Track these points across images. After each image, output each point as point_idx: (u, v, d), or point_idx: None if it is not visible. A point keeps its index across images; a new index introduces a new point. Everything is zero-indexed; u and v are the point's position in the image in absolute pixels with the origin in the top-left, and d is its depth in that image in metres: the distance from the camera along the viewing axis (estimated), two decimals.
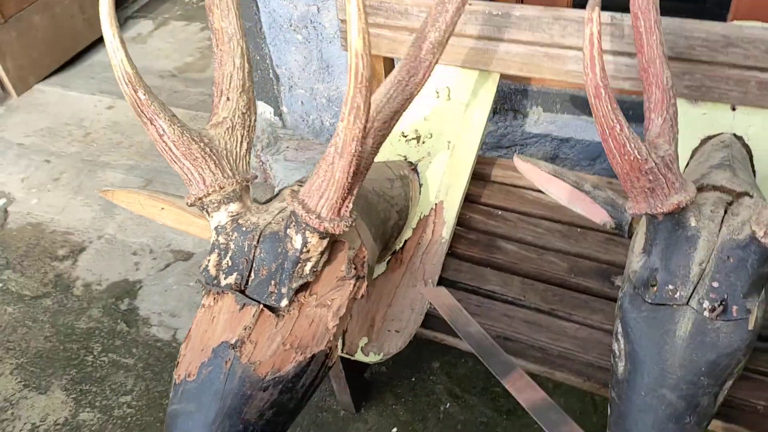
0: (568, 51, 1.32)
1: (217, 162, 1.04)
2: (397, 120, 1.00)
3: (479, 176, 1.63)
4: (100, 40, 3.62)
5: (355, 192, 0.96)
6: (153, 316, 2.17)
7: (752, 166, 1.22)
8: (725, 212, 0.96)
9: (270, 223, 1.01)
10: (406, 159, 1.43)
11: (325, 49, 2.11)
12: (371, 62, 0.81)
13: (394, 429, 1.72)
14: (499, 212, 1.53)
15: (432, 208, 1.38)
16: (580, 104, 1.86)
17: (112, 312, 2.20)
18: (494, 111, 1.98)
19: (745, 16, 1.51)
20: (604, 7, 1.48)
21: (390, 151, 1.45)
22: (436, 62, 1.01)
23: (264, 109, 2.40)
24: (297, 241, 0.96)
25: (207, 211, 1.04)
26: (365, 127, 0.86)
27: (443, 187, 1.39)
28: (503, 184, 1.61)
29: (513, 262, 1.40)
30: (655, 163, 0.92)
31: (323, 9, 1.99)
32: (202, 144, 1.03)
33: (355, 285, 1.04)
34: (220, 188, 1.02)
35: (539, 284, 1.34)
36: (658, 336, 0.93)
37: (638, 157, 0.92)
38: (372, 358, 1.28)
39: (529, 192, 1.56)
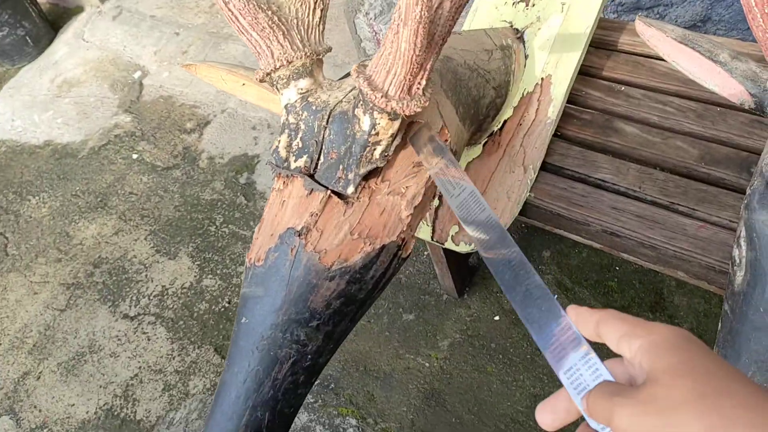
0: None
1: (286, 33, 0.95)
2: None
3: (602, 44, 1.41)
4: None
5: (429, 66, 0.84)
6: (269, 191, 2.23)
7: None
8: None
9: (341, 101, 0.93)
10: (512, 26, 1.25)
11: None
12: None
13: (497, 317, 1.67)
14: (623, 87, 1.32)
15: (537, 84, 1.21)
16: None
17: (233, 185, 2.29)
18: None
19: None
20: None
21: (494, 16, 1.27)
22: None
23: None
24: (365, 123, 0.88)
25: (277, 88, 0.97)
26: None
27: (552, 59, 1.21)
28: (631, 54, 1.38)
29: (631, 146, 1.22)
30: None
31: None
32: (270, 12, 0.95)
33: None
34: (288, 62, 0.94)
35: (659, 173, 1.16)
36: None
37: None
38: (462, 248, 1.21)
39: (662, 63, 1.32)
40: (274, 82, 0.97)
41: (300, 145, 0.94)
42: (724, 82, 0.91)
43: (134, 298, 2.01)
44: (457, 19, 0.85)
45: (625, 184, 1.17)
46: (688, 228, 1.08)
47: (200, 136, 2.51)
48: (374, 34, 2.33)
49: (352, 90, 0.94)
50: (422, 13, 0.74)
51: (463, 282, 1.73)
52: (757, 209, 0.80)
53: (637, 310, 1.58)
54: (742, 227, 0.83)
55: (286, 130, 0.96)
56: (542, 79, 1.21)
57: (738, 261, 0.84)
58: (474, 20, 1.30)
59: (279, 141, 0.96)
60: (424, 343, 1.67)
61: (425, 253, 1.85)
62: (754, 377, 0.78)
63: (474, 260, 1.78)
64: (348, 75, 1.03)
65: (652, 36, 0.98)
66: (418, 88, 0.84)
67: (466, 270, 1.74)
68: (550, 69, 1.21)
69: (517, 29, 1.24)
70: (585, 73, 1.35)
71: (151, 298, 2.00)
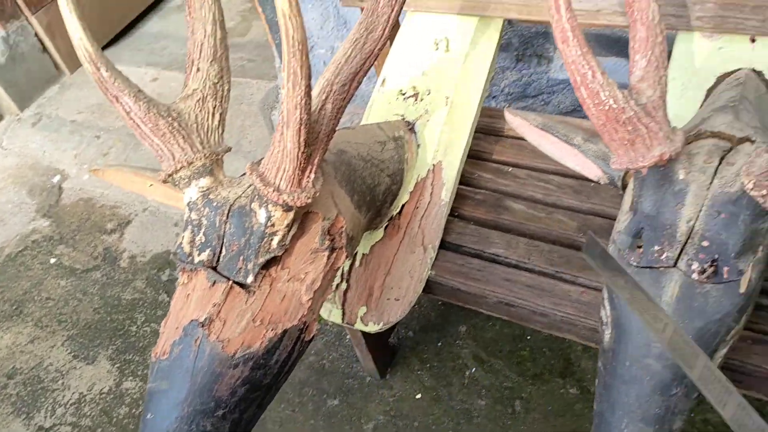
0: None
1: (186, 137, 1.02)
2: (360, 81, 0.95)
3: (491, 131, 1.55)
4: (147, 11, 3.69)
5: (316, 161, 0.92)
6: None
7: None
8: (720, 162, 0.86)
9: (240, 196, 0.99)
10: (403, 118, 1.36)
11: (342, 5, 2.04)
12: (302, 24, 0.76)
13: (419, 395, 1.71)
14: (510, 169, 1.45)
15: (430, 170, 1.32)
16: (606, 44, 1.72)
17: (155, 283, 2.28)
18: (517, 58, 1.87)
19: None
20: None
21: (388, 110, 1.39)
22: (397, 15, 0.94)
23: None
24: (261, 216, 0.94)
25: (179, 187, 1.03)
26: (308, 93, 0.82)
27: (441, 147, 1.32)
28: (516, 138, 1.52)
29: (520, 222, 1.32)
30: (634, 112, 0.83)
31: None
32: (170, 119, 1.02)
33: (330, 257, 1.01)
34: (189, 164, 1.01)
35: (545, 245, 1.27)
36: None
37: (614, 106, 0.83)
38: (371, 328, 1.26)
39: None
40: (176, 182, 1.02)
41: (203, 240, 0.99)
42: (581, 162, 1.03)
43: (50, 408, 1.94)
44: (341, 117, 0.95)
45: (515, 257, 1.26)
46: (572, 294, 1.18)
47: (121, 236, 2.51)
48: None
49: (250, 186, 1.01)
50: (302, 116, 0.82)
51: (385, 362, 1.77)
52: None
53: (548, 377, 1.65)
54: (605, 290, 0.93)
55: (189, 226, 1.01)
56: (434, 165, 1.32)
57: (605, 321, 0.92)
58: (370, 114, 1.41)
59: (183, 237, 1.01)
60: (349, 428, 1.68)
61: (347, 337, 1.89)
62: (626, 429, 0.85)
63: (394, 340, 1.83)
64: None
65: (519, 124, 1.11)
66: (307, 181, 0.92)
67: (387, 350, 1.78)
68: (441, 156, 1.32)
69: (408, 121, 1.35)
70: (476, 157, 1.47)
71: (67, 406, 1.93)
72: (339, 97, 0.93)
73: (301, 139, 0.85)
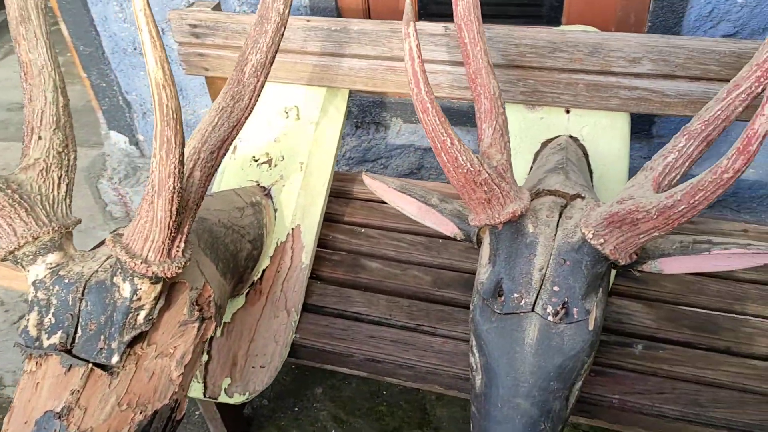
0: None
1: (29, 210, 0.94)
2: (227, 149, 0.95)
3: (341, 194, 1.60)
4: None
5: (186, 230, 0.90)
6: (7, 375, 1.97)
7: (589, 165, 1.27)
8: (560, 216, 0.98)
9: (96, 271, 0.92)
10: (258, 184, 1.37)
11: (176, 72, 2.01)
12: (176, 93, 0.75)
13: None
14: (363, 230, 1.50)
15: (289, 233, 1.33)
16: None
17: None
18: (356, 125, 1.97)
19: (577, 20, 1.59)
20: (444, 15, 1.50)
21: (241, 176, 1.38)
22: (262, 85, 0.96)
23: (118, 139, 2.25)
24: (125, 290, 0.88)
25: (22, 265, 0.93)
26: (181, 161, 0.80)
27: (299, 211, 1.35)
28: (365, 200, 1.59)
29: (378, 280, 1.37)
30: (489, 174, 0.92)
31: (168, 31, 1.90)
32: (9, 191, 0.93)
33: (200, 328, 0.97)
34: (34, 238, 0.92)
35: (405, 300, 1.33)
36: (509, 346, 0.93)
37: (471, 169, 0.92)
38: (237, 399, 1.21)
39: (391, 207, 1.54)
40: (19, 260, 0.93)
41: (53, 321, 0.90)
42: (438, 220, 1.11)
43: None
44: (209, 184, 0.93)
45: (378, 314, 1.30)
46: (434, 345, 1.24)
47: None
48: (120, 197, 2.31)
49: (107, 259, 0.94)
50: (175, 184, 0.80)
51: None
52: (480, 321, 0.97)
53: (407, 429, 1.69)
54: (473, 337, 1.00)
55: (36, 307, 0.91)
56: (293, 229, 1.33)
57: (475, 367, 0.99)
58: (222, 181, 1.40)
59: (28, 320, 0.91)
60: None
61: (197, 413, 1.78)
62: None
63: (248, 410, 1.76)
64: (102, 244, 1.03)
65: (377, 187, 1.16)
66: (177, 251, 0.89)
67: (242, 422, 1.71)
68: (299, 219, 1.34)
69: (264, 186, 1.36)
70: (330, 219, 1.51)
71: None
72: (207, 165, 0.92)
73: (174, 207, 0.82)
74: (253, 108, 0.95)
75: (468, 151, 0.92)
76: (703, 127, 0.88)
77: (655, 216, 0.83)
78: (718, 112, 0.88)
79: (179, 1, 1.82)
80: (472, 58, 1.02)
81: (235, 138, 0.95)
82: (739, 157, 0.74)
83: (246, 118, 0.95)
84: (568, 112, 1.30)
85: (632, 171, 1.43)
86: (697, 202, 0.79)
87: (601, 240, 0.90)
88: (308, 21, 1.33)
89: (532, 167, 1.29)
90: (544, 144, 1.30)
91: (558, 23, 1.64)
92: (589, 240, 0.90)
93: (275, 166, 1.38)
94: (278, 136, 1.41)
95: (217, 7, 1.44)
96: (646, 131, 1.71)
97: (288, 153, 1.39)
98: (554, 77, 1.23)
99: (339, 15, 1.72)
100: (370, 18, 1.73)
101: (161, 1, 1.83)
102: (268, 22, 0.93)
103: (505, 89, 1.27)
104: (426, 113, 0.90)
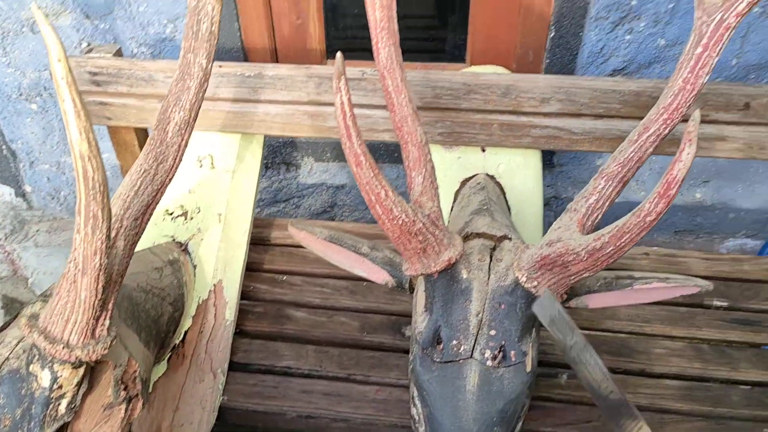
0: (327, 107, 1.31)
1: None
2: (151, 214, 0.89)
3: (258, 240, 1.55)
4: None
5: (111, 305, 0.83)
6: None
7: (507, 202, 1.31)
8: (491, 259, 1.00)
9: (7, 358, 0.83)
10: (174, 240, 1.30)
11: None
12: (102, 164, 0.70)
13: None
14: (284, 277, 1.46)
15: (210, 290, 1.27)
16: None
17: None
18: (266, 166, 1.93)
19: (480, 59, 1.65)
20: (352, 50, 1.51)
21: (155, 233, 1.31)
22: (186, 144, 0.92)
23: (2, 191, 2.07)
24: (45, 378, 0.80)
25: None
26: (108, 236, 0.74)
27: (220, 265, 1.29)
28: (284, 246, 1.55)
29: (304, 330, 1.34)
30: (423, 224, 0.93)
31: None
32: None
33: (127, 409, 0.90)
34: None
35: (334, 349, 1.30)
36: (451, 394, 0.93)
37: (406, 220, 0.91)
38: None
39: (311, 252, 1.51)
40: None
41: None
42: (369, 269, 1.10)
43: None
44: (132, 253, 0.87)
45: (307, 367, 1.27)
46: (368, 394, 1.22)
47: None
48: (6, 254, 2.12)
49: (19, 343, 0.85)
50: (101, 261, 0.74)
51: None
52: (421, 371, 0.96)
53: None
54: (414, 388, 0.99)
55: None
56: (214, 285, 1.27)
57: (418, 418, 0.98)
58: None
59: None
60: None
61: None
62: None
63: None
64: (8, 324, 0.93)
65: (304, 238, 1.14)
66: (102, 329, 0.82)
67: None
68: (220, 274, 1.28)
69: (180, 242, 1.29)
70: (250, 268, 1.46)
71: None
72: (131, 233, 0.86)
73: (100, 285, 0.76)
74: (177, 168, 0.91)
75: (402, 202, 0.92)
76: (620, 169, 0.93)
77: (585, 258, 0.87)
78: (632, 154, 0.93)
79: (71, 47, 1.72)
80: (397, 106, 1.02)
81: (159, 201, 0.89)
82: (661, 200, 0.79)
83: (171, 180, 0.90)
84: (483, 150, 1.34)
85: None
86: (623, 244, 0.83)
87: (535, 282, 0.92)
88: (220, 67, 1.29)
89: (453, 206, 1.31)
90: (463, 183, 1.33)
91: (462, 60, 1.69)
92: (522, 283, 0.93)
93: (191, 219, 1.32)
94: (193, 186, 1.35)
95: (118, 53, 1.36)
96: (548, 161, 1.80)
97: (204, 204, 1.33)
98: (470, 118, 1.27)
99: (245, 56, 1.68)
100: (277, 58, 1.71)
101: None
102: (191, 78, 0.89)
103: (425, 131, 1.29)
104: (359, 166, 0.89)
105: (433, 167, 1.01)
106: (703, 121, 1.15)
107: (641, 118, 1.21)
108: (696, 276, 0.95)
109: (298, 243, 1.53)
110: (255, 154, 1.41)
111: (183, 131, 0.90)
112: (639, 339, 1.29)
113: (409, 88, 1.04)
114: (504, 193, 1.31)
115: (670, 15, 1.49)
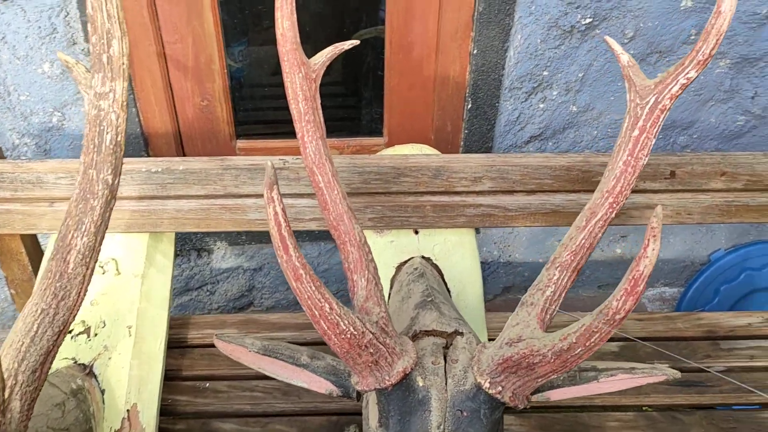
0: (247, 199, 1.21)
1: None
2: (52, 361, 0.75)
3: (174, 343, 1.40)
4: None
5: None
6: None
7: (446, 284, 1.25)
8: (446, 360, 0.93)
9: None
10: (76, 362, 1.13)
11: None
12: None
13: None
14: (207, 384, 1.32)
15: (124, 417, 1.11)
16: (265, 231, 1.77)
17: None
18: (175, 254, 1.77)
19: (397, 132, 1.61)
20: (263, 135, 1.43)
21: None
22: (91, 274, 0.78)
23: None
24: None
25: None
26: (3, 399, 0.60)
27: (133, 386, 1.13)
28: (204, 347, 1.41)
29: None
30: (373, 334, 0.84)
31: None
32: None
33: None
34: None
35: None
36: None
37: (355, 333, 0.83)
38: None
39: None
40: None
41: None
42: (310, 380, 0.99)
43: None
44: (31, 414, 0.72)
45: None
46: None
47: None
48: None
49: None
50: None
51: None
52: None
53: None
54: None
55: None
56: (128, 411, 1.11)
57: None
58: None
59: None
60: None
61: None
62: None
63: None
64: None
65: (233, 351, 1.01)
66: None
67: None
68: (134, 397, 1.12)
69: (84, 365, 1.13)
70: (167, 378, 1.30)
71: None
72: (29, 389, 0.71)
73: None
74: (81, 303, 0.77)
75: (348, 314, 0.83)
76: (572, 258, 0.89)
77: (552, 360, 0.81)
78: (582, 241, 0.90)
79: None
80: (330, 203, 0.94)
81: (61, 345, 0.75)
82: (629, 298, 0.75)
83: (74, 318, 0.76)
84: (416, 232, 1.28)
85: None
86: (592, 344, 0.78)
87: (499, 388, 0.85)
88: (123, 164, 1.15)
89: (390, 294, 1.23)
90: (399, 267, 1.26)
91: (379, 134, 1.65)
92: (486, 389, 0.85)
93: (95, 335, 1.16)
94: (94, 298, 1.19)
95: None
96: None
97: (111, 317, 1.17)
98: (401, 201, 1.21)
99: (146, 142, 1.55)
100: (182, 143, 1.59)
101: None
102: (95, 197, 0.77)
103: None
104: (299, 280, 0.80)
105: (375, 267, 0.93)
106: (633, 191, 1.16)
107: (573, 191, 1.21)
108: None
109: None
110: (166, 254, 1.28)
111: (87, 260, 0.76)
112: (591, 414, 1.25)
113: (341, 184, 0.96)
114: (442, 275, 1.25)
115: (580, 83, 1.52)
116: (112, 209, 0.80)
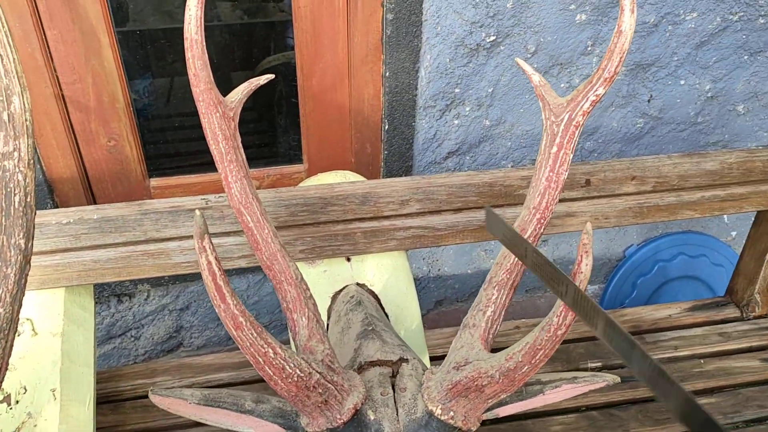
0: (170, 243, 1.16)
1: None
2: None
3: (103, 398, 1.32)
4: None
5: None
6: None
7: (383, 308, 1.25)
8: (394, 390, 0.92)
9: None
10: None
11: None
12: None
13: None
14: None
15: None
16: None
17: None
18: (95, 300, 1.68)
19: (317, 158, 1.60)
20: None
21: None
22: (11, 348, 0.73)
23: None
24: None
25: None
26: None
27: None
28: (135, 399, 1.34)
29: None
30: (320, 374, 0.83)
31: None
32: None
33: None
34: None
35: None
36: None
37: (301, 375, 0.81)
38: None
39: None
40: None
41: None
42: (256, 425, 0.96)
43: None
44: None
45: None
46: None
47: None
48: None
49: None
50: None
51: None
52: None
53: None
54: None
55: None
56: None
57: None
58: None
59: None
60: None
61: None
62: None
63: None
64: None
65: (171, 404, 0.97)
66: None
67: None
68: None
69: None
70: None
71: None
72: None
73: None
74: (3, 378, 0.71)
75: (293, 356, 0.81)
76: (508, 276, 0.92)
77: (500, 380, 0.82)
78: (516, 258, 0.92)
79: None
80: (262, 243, 0.92)
81: None
82: (568, 313, 0.78)
83: None
84: (349, 260, 1.27)
85: None
86: (538, 361, 0.80)
87: (451, 413, 0.86)
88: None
89: (328, 325, 1.22)
90: (334, 297, 1.24)
91: (299, 161, 1.63)
92: (438, 416, 0.86)
93: (17, 402, 1.07)
94: (12, 361, 1.10)
95: None
96: None
97: (31, 381, 1.09)
98: (331, 230, 1.20)
99: (50, 188, 1.46)
100: (90, 186, 1.51)
101: None
102: (8, 264, 0.71)
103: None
104: (240, 329, 0.77)
105: (314, 304, 0.92)
106: None
107: (497, 206, 1.24)
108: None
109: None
110: (86, 307, 1.20)
111: (6, 332, 0.71)
112: (535, 421, 1.29)
113: (270, 222, 0.94)
114: (379, 300, 1.25)
115: (491, 98, 1.57)
116: (27, 275, 0.74)
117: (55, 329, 1.15)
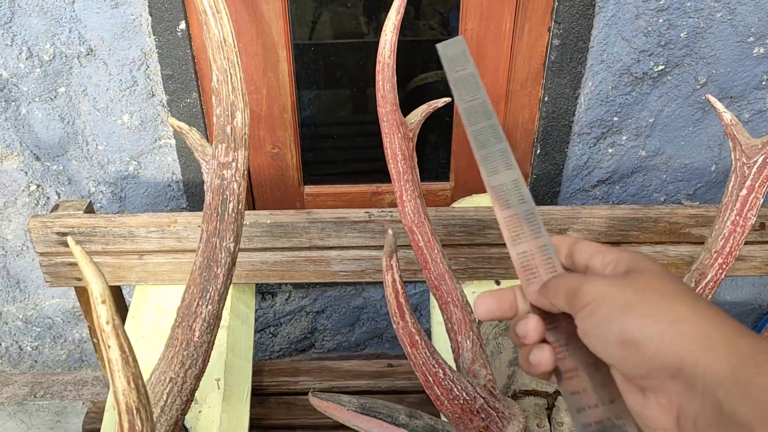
0: (330, 252, 1.22)
1: None
2: (180, 428, 0.75)
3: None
4: None
5: None
6: None
7: None
8: (550, 423, 0.92)
9: None
10: None
11: (12, 264, 1.70)
12: (150, 414, 0.57)
13: None
14: None
15: None
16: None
17: None
18: None
19: (464, 177, 1.62)
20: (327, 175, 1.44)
21: None
22: (215, 340, 0.80)
23: None
24: None
25: None
26: None
27: None
28: (279, 395, 1.41)
29: None
30: (484, 399, 0.84)
31: (2, 220, 1.60)
32: None
33: None
34: None
35: None
36: None
37: (467, 398, 0.82)
38: None
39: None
40: None
41: None
42: None
43: None
44: None
45: None
46: None
47: None
48: None
49: None
50: None
51: None
52: None
53: None
54: None
55: None
56: None
57: None
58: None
59: None
60: None
61: None
62: None
63: None
64: None
65: (329, 407, 1.01)
66: None
67: None
68: None
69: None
70: None
71: None
72: None
73: None
74: (204, 371, 0.78)
75: (461, 379, 0.83)
76: None
77: None
78: None
79: (18, 191, 1.55)
80: (431, 263, 0.94)
81: (187, 413, 0.76)
82: None
83: (197, 387, 0.77)
84: (498, 283, 1.28)
85: None
86: None
87: None
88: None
89: None
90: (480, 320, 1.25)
91: (446, 179, 1.65)
92: None
93: None
94: None
95: (89, 209, 1.23)
96: None
97: None
98: (485, 252, 1.21)
99: None
100: (252, 191, 1.62)
101: (17, 211, 1.56)
102: (218, 265, 0.78)
103: None
104: (415, 346, 0.80)
105: (479, 328, 0.93)
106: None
107: (659, 243, 1.20)
108: None
109: (294, 389, 1.40)
110: (249, 305, 1.29)
111: (212, 327, 0.78)
112: None
113: (440, 242, 0.96)
114: None
115: (650, 129, 1.52)
116: (232, 276, 0.81)
117: (222, 322, 1.22)
